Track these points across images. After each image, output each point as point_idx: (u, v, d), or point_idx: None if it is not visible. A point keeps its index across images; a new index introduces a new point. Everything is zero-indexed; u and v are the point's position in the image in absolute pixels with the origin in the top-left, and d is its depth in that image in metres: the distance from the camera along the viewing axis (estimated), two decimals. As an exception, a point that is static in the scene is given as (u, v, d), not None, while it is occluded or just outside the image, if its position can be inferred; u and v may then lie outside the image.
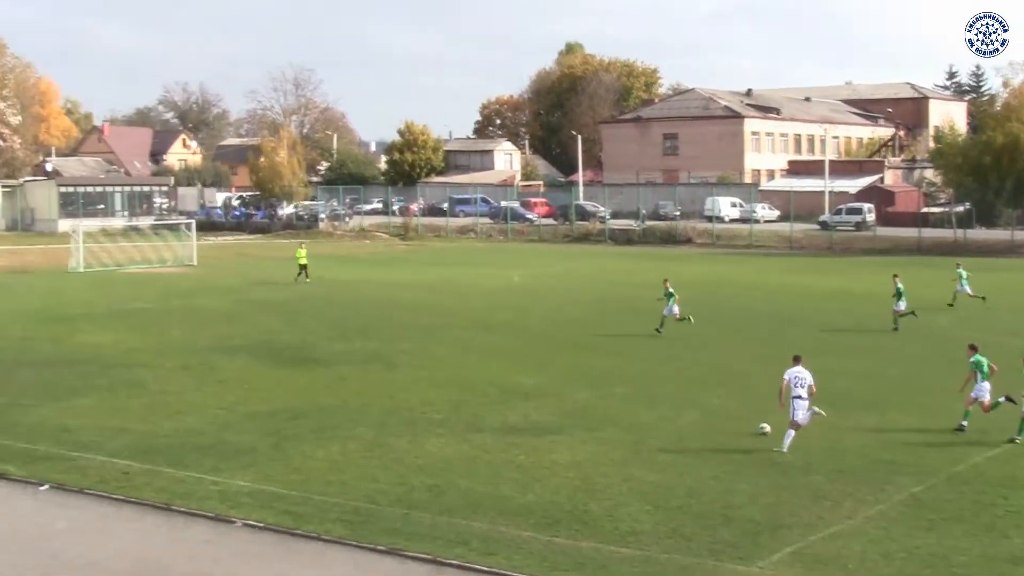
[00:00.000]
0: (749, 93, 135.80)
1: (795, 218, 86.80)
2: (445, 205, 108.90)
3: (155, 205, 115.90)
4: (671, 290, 39.29)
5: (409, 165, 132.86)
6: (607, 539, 17.38)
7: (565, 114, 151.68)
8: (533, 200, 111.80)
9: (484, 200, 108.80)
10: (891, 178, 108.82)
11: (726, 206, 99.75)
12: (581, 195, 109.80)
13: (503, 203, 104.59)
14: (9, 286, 56.14)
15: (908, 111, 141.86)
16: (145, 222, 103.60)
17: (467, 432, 24.13)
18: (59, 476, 20.84)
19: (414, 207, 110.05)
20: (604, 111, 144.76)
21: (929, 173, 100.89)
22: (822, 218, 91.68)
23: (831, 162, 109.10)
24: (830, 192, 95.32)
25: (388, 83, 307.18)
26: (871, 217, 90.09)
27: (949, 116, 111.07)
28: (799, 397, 22.65)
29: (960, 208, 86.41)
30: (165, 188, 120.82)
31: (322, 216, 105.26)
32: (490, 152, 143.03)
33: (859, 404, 27.04)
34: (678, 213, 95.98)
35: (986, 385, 24.25)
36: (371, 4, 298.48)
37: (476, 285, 55.93)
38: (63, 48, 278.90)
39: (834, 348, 35.76)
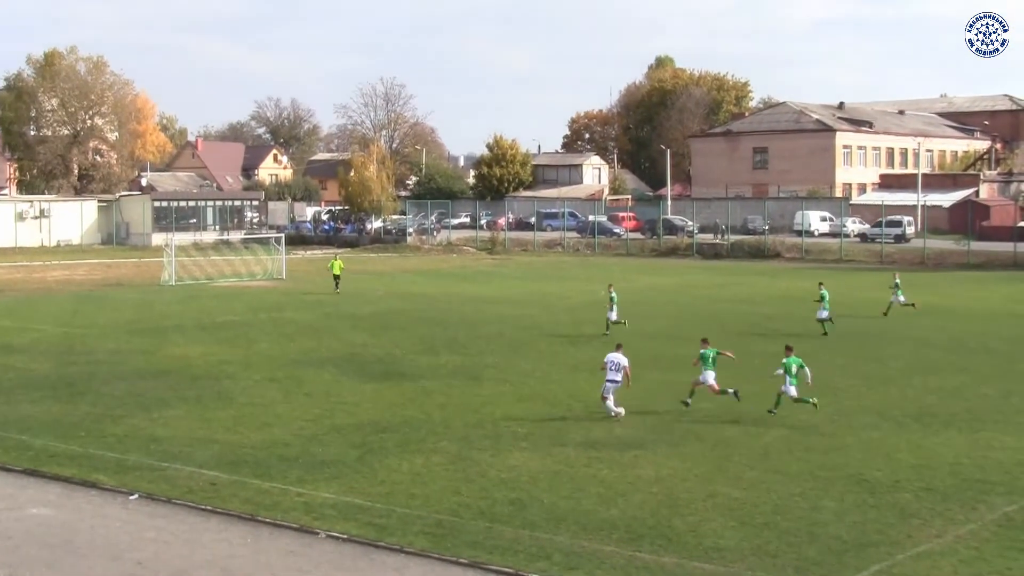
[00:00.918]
0: (841, 106, 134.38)
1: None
2: (533, 219, 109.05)
3: (246, 219, 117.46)
4: (613, 294, 43.49)
5: (497, 179, 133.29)
6: (690, 555, 17.22)
7: (654, 128, 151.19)
8: (621, 214, 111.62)
9: (572, 214, 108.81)
10: (987, 192, 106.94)
11: (816, 220, 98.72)
12: (669, 209, 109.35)
13: (590, 217, 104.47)
14: (103, 299, 57.19)
15: (1005, 124, 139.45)
16: (236, 236, 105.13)
17: (551, 446, 24.07)
18: (148, 486, 21.15)
19: (502, 221, 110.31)
20: (694, 125, 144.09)
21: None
22: (862, 230, 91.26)
23: (924, 176, 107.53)
24: (923, 206, 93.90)
25: (477, 98, 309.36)
26: (911, 230, 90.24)
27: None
28: (612, 381, 26.33)
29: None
30: (256, 202, 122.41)
31: (410, 230, 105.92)
32: (578, 166, 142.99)
33: (951, 421, 26.54)
34: (767, 227, 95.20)
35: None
36: (462, 21, 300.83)
37: (562, 299, 55.88)
38: (160, 65, 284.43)
39: (928, 364, 35.21)
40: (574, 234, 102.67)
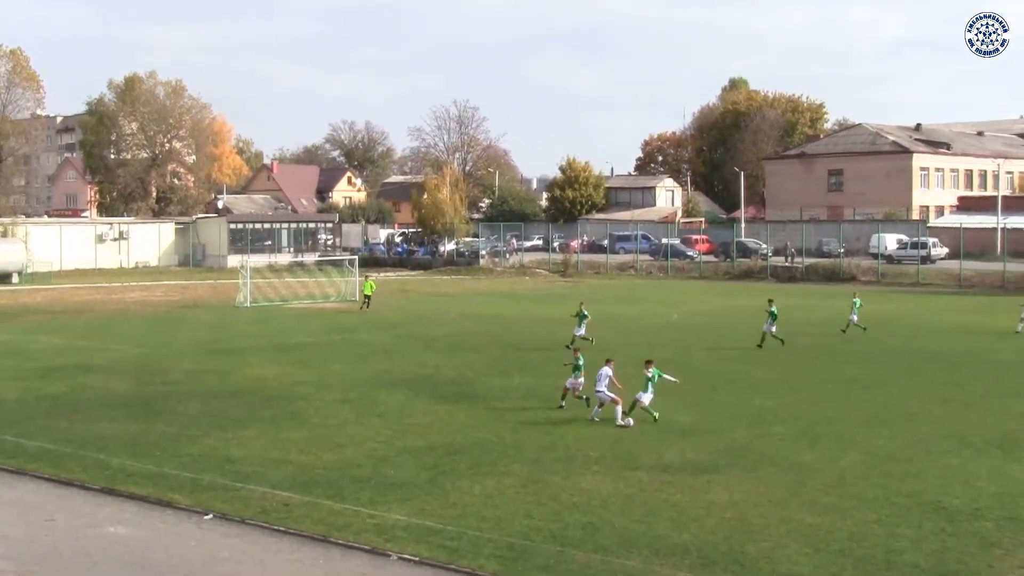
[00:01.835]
0: (918, 128, 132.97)
1: (965, 256, 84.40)
2: (605, 242, 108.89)
3: (320, 241, 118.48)
4: (585, 312, 45.32)
5: (570, 202, 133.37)
6: (764, 582, 17.01)
7: (728, 150, 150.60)
8: (694, 237, 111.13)
9: (644, 237, 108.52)
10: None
11: (892, 243, 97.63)
12: (743, 232, 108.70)
13: (664, 240, 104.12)
14: (180, 319, 57.89)
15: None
16: (310, 258, 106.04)
17: (623, 470, 23.93)
18: (223, 506, 21.29)
19: (575, 244, 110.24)
20: (768, 147, 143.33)
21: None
22: (888, 251, 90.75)
23: (1004, 197, 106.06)
24: (1003, 228, 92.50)
25: (550, 120, 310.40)
26: (936, 251, 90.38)
27: None
28: (599, 391, 29.19)
29: None
30: (330, 225, 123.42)
31: (483, 252, 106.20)
32: (651, 188, 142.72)
33: (1032, 448, 26.03)
34: (842, 250, 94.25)
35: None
36: (536, 44, 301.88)
37: (636, 322, 55.67)
38: (237, 88, 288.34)
39: (1009, 388, 34.60)
40: (647, 257, 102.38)
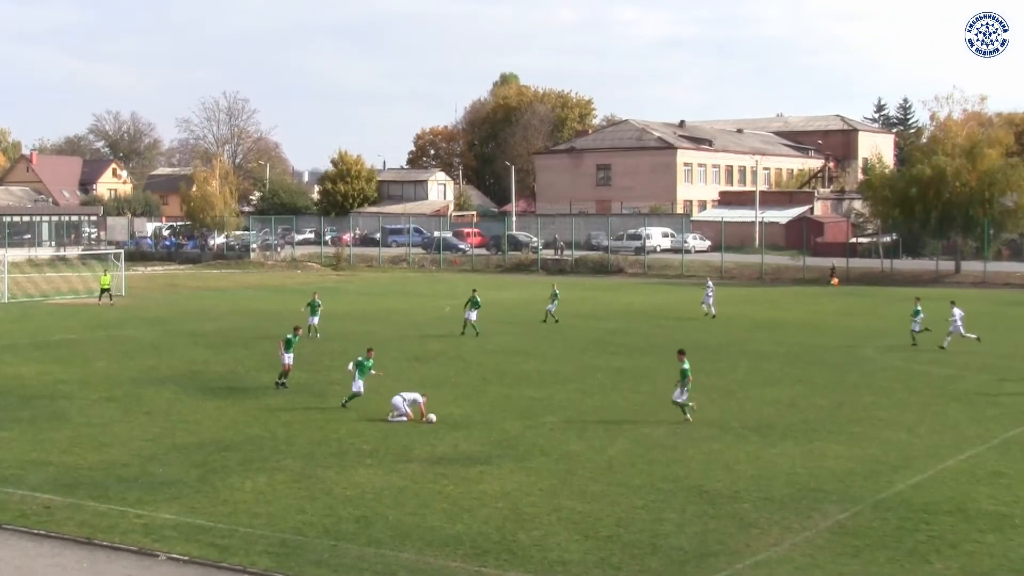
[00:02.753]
0: (682, 124, 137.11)
1: (726, 248, 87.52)
2: (378, 235, 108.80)
3: (84, 235, 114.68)
4: (318, 301, 47.19)
5: (342, 195, 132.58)
6: (535, 569, 17.32)
7: (499, 145, 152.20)
8: (466, 230, 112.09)
9: (417, 230, 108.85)
10: (821, 209, 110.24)
11: (658, 236, 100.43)
12: (514, 225, 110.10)
13: (436, 233, 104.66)
14: (-68, 317, 55.16)
15: (838, 143, 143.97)
16: (73, 252, 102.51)
17: (396, 463, 23.99)
18: (-22, 510, 20.43)
19: (347, 237, 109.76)
20: (538, 142, 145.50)
21: (858, 204, 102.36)
22: (605, 243, 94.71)
23: (762, 193, 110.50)
24: (761, 222, 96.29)
25: (322, 114, 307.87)
26: (650, 243, 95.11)
27: (877, 148, 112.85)
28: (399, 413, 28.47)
29: (887, 239, 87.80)
30: (94, 218, 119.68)
31: (253, 246, 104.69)
32: (423, 182, 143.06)
33: (787, 432, 27.22)
34: (608, 244, 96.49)
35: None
36: (308, 35, 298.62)
37: (407, 315, 55.78)
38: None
39: (766, 376, 36.07)
40: (419, 250, 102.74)
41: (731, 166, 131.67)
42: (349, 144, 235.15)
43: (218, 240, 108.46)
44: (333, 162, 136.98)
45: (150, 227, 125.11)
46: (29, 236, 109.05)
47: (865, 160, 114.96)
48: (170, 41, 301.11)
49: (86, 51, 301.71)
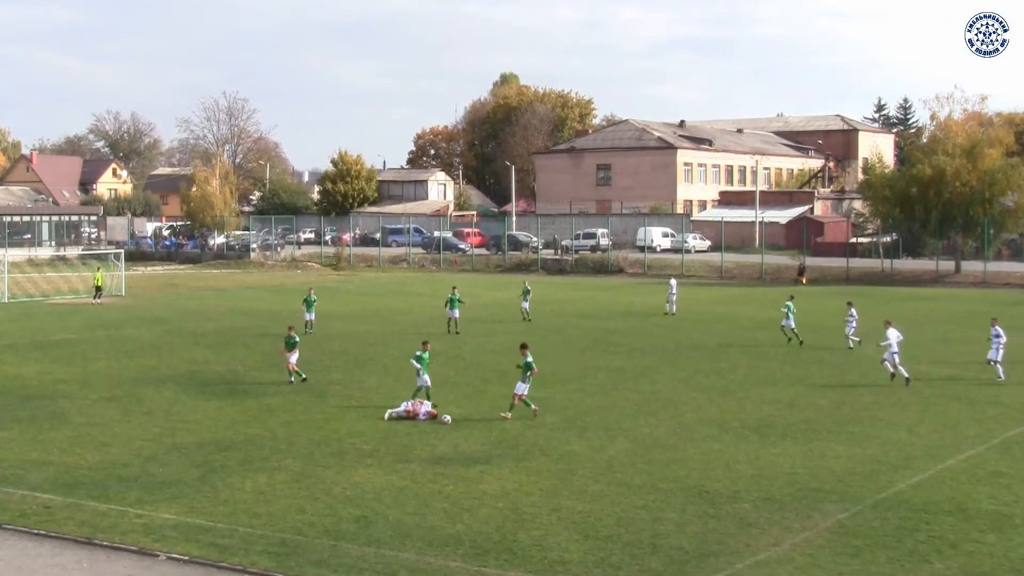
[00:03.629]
0: (682, 124, 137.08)
1: (726, 248, 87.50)
2: (378, 235, 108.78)
3: (83, 235, 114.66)
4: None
5: (342, 195, 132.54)
6: (535, 569, 17.32)
7: (499, 145, 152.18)
8: (466, 230, 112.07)
9: (417, 230, 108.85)
10: (821, 209, 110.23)
11: (658, 236, 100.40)
12: (514, 225, 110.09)
13: (436, 233, 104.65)
14: (-68, 317, 55.13)
15: (838, 143, 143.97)
16: (73, 252, 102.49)
17: (396, 462, 23.99)
18: (-23, 510, 20.42)
19: (347, 237, 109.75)
20: (538, 142, 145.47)
21: (858, 204, 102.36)
22: (564, 243, 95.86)
23: (762, 193, 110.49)
24: (761, 222, 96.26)
25: (323, 114, 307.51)
26: (605, 241, 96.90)
27: (877, 148, 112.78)
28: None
29: (887, 239, 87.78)
30: (94, 218, 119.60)
31: (253, 246, 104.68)
32: (424, 182, 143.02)
33: (787, 432, 27.22)
34: (609, 243, 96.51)
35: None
36: (308, 35, 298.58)
37: (407, 315, 55.77)
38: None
39: (766, 376, 36.03)
40: (419, 250, 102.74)
41: (731, 166, 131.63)
42: (349, 144, 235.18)
43: (218, 240, 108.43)
44: (333, 162, 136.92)
45: (150, 227, 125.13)
46: (29, 236, 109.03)
47: (865, 160, 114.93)
48: (170, 41, 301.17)
49: (86, 51, 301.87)
